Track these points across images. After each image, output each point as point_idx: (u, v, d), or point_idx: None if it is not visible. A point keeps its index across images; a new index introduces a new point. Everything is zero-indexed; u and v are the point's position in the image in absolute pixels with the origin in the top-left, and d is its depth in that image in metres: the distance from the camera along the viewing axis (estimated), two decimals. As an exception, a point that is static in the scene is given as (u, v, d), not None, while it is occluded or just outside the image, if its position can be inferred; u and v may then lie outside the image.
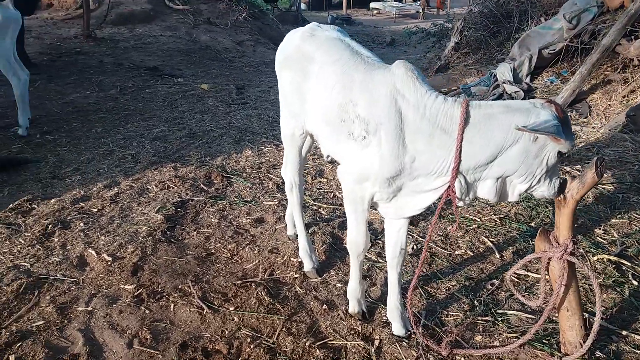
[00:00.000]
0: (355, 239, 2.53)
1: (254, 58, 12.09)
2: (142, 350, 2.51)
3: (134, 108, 6.84)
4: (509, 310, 2.82)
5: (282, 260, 3.30)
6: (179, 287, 2.99)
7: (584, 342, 2.30)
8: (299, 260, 3.23)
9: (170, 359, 2.45)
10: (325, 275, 3.15)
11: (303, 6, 26.60)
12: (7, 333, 2.58)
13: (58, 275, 3.09)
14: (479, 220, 3.79)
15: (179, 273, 3.14)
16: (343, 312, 2.78)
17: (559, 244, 2.29)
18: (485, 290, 3.02)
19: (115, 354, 2.50)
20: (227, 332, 2.65)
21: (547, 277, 2.39)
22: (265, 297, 2.91)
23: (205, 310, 2.79)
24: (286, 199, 3.56)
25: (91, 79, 8.09)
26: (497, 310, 2.82)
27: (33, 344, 2.53)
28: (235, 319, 2.75)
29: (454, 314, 2.81)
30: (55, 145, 5.30)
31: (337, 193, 4.25)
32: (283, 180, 3.39)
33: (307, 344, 2.55)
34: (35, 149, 5.16)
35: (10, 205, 3.91)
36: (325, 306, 2.84)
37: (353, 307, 2.75)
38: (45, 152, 5.09)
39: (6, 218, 3.74)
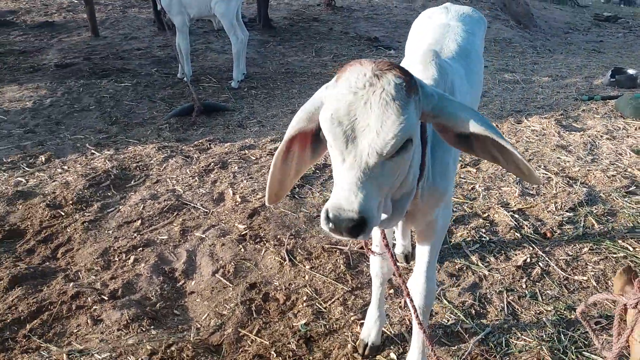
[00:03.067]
0: None
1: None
2: (220, 280, 2.90)
3: (329, 76, 7.31)
4: (594, 355, 2.35)
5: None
6: (278, 237, 3.30)
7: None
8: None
9: (236, 294, 2.79)
10: (413, 263, 3.07)
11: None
12: (138, 239, 3.26)
13: (197, 204, 3.70)
14: (631, 249, 3.12)
15: (285, 225, 3.44)
16: (404, 302, 2.71)
17: (640, 290, 1.83)
18: (587, 325, 2.54)
19: (201, 277, 2.95)
20: (292, 286, 2.85)
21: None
22: (342, 265, 3.00)
23: (285, 262, 3.04)
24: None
25: (314, 45, 8.89)
26: (582, 352, 2.37)
27: (151, 251, 3.15)
28: (306, 277, 2.93)
29: (526, 339, 2.47)
30: (254, 99, 6.12)
31: (477, 187, 3.96)
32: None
33: (352, 318, 2.59)
34: (238, 100, 6.05)
35: (195, 142, 4.75)
36: (392, 290, 2.80)
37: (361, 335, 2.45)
38: (243, 104, 5.93)
39: (188, 151, 4.57)
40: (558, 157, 4.49)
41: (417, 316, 1.91)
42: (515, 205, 3.69)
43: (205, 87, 6.46)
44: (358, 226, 1.22)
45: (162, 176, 4.10)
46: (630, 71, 7.59)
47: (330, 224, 1.24)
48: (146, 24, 9.60)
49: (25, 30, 9.06)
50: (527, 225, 3.41)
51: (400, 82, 1.26)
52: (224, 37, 8.75)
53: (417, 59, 1.79)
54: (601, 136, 5.00)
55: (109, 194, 3.81)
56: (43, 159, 4.35)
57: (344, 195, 1.24)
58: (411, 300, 1.88)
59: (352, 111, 1.25)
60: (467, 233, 3.31)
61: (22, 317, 2.57)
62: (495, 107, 6.08)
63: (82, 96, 5.95)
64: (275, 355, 2.37)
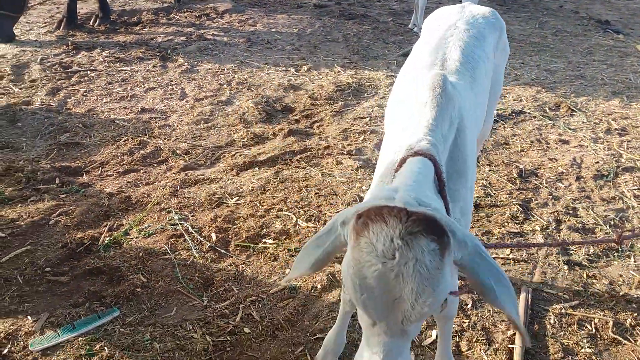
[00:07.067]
0: None
1: None
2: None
3: (547, 46, 7.74)
4: None
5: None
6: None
7: None
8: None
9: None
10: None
11: None
12: (366, 127, 4.56)
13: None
14: None
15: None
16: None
17: None
18: None
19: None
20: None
21: None
22: (513, 176, 3.91)
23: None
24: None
25: (539, 18, 9.23)
26: None
27: (375, 135, 4.42)
28: (483, 177, 3.91)
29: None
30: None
31: None
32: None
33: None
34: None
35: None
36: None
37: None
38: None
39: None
40: None
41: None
42: None
43: (430, 38, 7.51)
44: None
45: (387, 95, 5.34)
46: None
47: None
48: (388, -20, 10.89)
49: (293, -26, 11.07)
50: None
51: (434, 247, 1.14)
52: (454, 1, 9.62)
53: (423, 87, 1.79)
54: None
55: (349, 98, 5.20)
56: (305, 68, 5.95)
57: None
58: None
59: (382, 282, 1.15)
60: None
61: (294, 151, 4.09)
62: None
63: (333, 31, 7.51)
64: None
